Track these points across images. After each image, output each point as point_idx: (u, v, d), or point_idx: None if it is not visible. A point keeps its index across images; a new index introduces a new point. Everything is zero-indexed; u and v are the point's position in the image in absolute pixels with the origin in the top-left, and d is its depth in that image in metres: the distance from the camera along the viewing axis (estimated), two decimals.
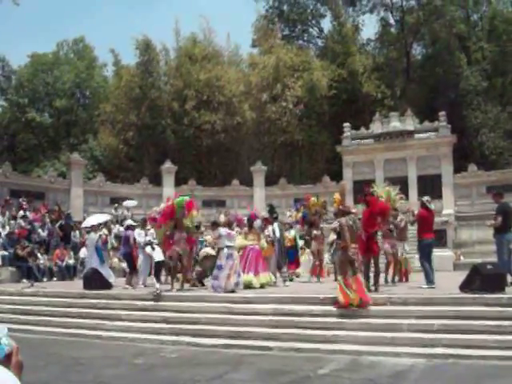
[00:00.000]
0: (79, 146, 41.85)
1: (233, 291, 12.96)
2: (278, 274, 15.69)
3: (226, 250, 13.32)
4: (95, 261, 17.07)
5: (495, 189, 27.72)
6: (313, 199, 17.41)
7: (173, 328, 11.52)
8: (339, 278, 11.13)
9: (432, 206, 13.97)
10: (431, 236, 13.42)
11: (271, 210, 17.01)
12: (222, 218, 16.87)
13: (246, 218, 16.89)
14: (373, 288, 12.53)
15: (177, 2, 76.62)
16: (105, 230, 18.69)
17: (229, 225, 14.37)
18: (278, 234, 15.56)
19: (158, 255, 15.98)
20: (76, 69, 47.67)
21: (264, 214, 16.81)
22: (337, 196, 12.79)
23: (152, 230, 16.86)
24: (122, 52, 57.29)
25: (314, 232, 16.63)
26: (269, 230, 15.53)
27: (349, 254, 10.96)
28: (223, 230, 13.67)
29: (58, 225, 23.55)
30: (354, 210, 11.77)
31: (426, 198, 13.94)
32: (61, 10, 76.94)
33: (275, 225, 15.80)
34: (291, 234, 17.01)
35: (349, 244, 11.00)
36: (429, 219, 13.39)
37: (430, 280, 12.99)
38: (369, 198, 13.14)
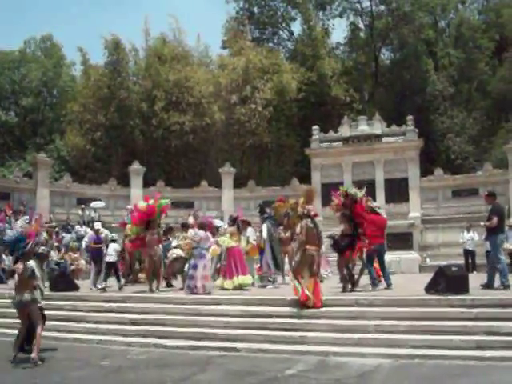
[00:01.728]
0: (46, 146, 41.24)
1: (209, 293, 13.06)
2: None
3: (199, 249, 13.43)
4: None
5: (460, 192, 28.38)
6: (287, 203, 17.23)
7: (140, 330, 11.47)
8: (293, 277, 11.39)
9: (382, 211, 14.15)
10: (381, 241, 13.60)
11: (261, 210, 16.93)
12: (191, 220, 16.83)
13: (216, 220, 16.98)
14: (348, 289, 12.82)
15: (146, 2, 76.05)
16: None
17: (202, 227, 14.35)
18: (265, 234, 15.61)
19: (111, 256, 15.63)
20: (43, 67, 46.89)
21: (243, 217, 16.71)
22: (301, 199, 12.85)
23: (106, 232, 16.94)
24: (91, 51, 56.38)
25: (281, 234, 16.54)
26: (250, 232, 15.63)
27: (306, 255, 11.22)
28: (201, 233, 13.81)
29: None
30: (312, 213, 11.90)
31: (374, 204, 14.23)
32: (28, 6, 75.88)
33: (264, 225, 15.83)
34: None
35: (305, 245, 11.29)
36: (376, 224, 13.44)
37: (374, 283, 13.23)
38: (349, 201, 13.30)
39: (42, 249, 11.25)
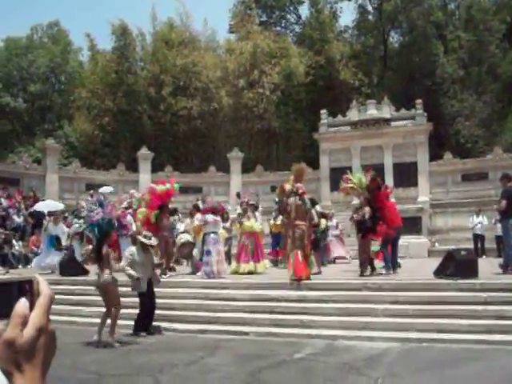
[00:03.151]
0: (54, 132, 41.29)
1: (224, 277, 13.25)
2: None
3: (212, 235, 13.45)
4: (45, 247, 17.28)
5: (470, 177, 28.22)
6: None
7: None
8: (290, 253, 11.70)
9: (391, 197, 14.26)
10: (400, 224, 13.75)
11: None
12: (200, 205, 16.79)
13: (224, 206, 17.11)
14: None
15: None
16: (78, 224, 18.51)
17: (214, 211, 14.35)
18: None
19: None
20: (51, 53, 46.92)
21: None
22: (291, 178, 12.91)
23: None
24: (98, 36, 56.46)
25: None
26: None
27: (296, 231, 11.62)
28: (210, 217, 13.76)
29: (27, 212, 23.17)
30: (301, 191, 12.09)
31: None
32: None
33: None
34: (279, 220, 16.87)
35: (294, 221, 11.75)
36: (391, 209, 13.51)
37: (388, 267, 13.26)
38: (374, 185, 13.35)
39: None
